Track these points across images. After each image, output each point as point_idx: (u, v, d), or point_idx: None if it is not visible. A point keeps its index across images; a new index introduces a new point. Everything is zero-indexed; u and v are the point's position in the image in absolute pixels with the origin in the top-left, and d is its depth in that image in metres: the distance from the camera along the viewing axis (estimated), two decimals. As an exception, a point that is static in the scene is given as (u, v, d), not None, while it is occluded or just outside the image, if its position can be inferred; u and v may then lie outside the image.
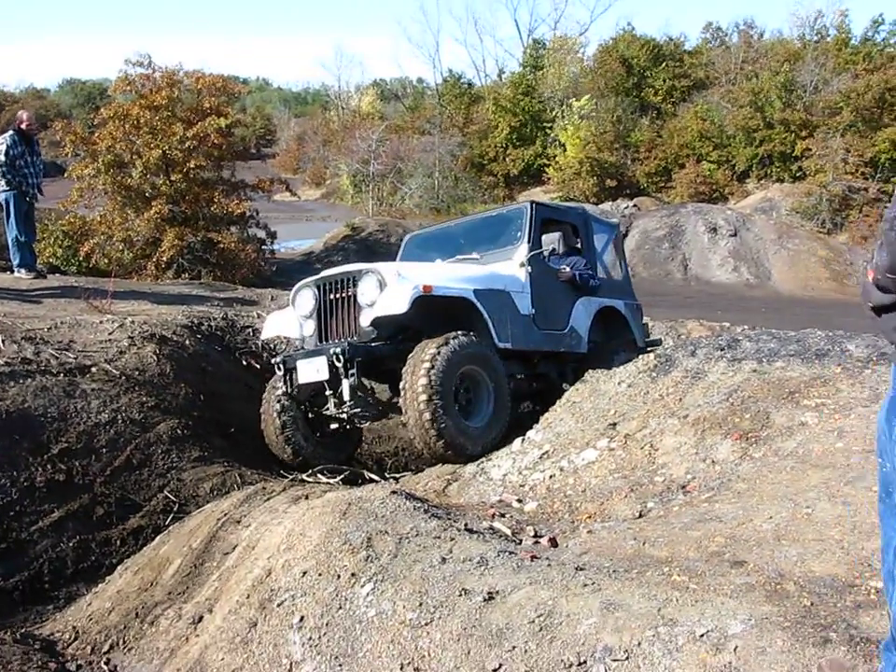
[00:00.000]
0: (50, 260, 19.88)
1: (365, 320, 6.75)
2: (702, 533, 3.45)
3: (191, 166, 21.25)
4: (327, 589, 3.40)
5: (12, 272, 10.76)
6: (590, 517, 4.46)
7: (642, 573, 3.09)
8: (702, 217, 31.12)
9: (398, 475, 7.55)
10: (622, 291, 9.12)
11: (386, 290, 6.56)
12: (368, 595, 3.28)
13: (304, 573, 3.50)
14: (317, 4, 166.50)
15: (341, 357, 6.51)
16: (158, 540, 5.05)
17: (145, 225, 20.74)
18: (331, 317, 7.09)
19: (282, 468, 7.33)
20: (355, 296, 6.85)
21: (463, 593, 3.10)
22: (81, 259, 20.17)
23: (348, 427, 7.62)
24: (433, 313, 6.88)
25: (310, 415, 7.49)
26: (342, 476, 7.07)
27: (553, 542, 3.83)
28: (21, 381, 6.37)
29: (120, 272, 20.83)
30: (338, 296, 7.05)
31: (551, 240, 7.65)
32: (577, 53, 53.02)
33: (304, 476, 7.04)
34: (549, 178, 46.46)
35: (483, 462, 6.08)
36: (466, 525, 3.83)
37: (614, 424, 5.52)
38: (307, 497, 4.50)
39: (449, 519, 3.92)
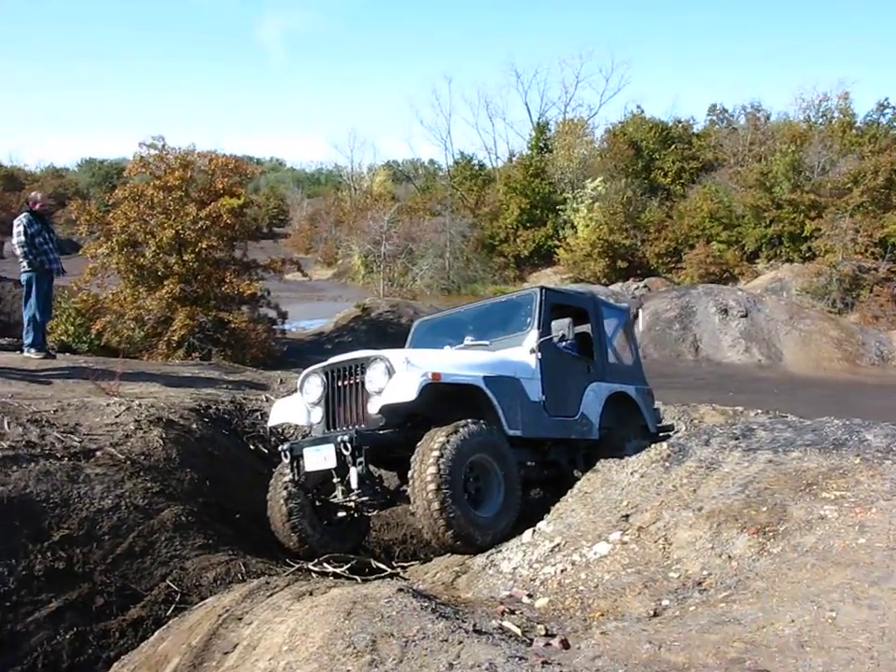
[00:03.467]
0: (62, 338, 19.94)
1: (373, 408, 6.67)
2: (720, 637, 3.30)
3: (203, 246, 21.45)
4: (329, 695, 3.26)
5: (21, 351, 10.76)
6: (602, 615, 4.30)
7: (659, 682, 2.95)
8: (713, 298, 31.15)
9: (405, 564, 7.38)
10: (632, 376, 9.05)
11: (395, 378, 6.51)
12: (371, 702, 3.14)
13: (306, 677, 3.36)
14: (332, 87, 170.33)
15: (348, 444, 6.43)
16: (156, 636, 4.88)
17: (156, 304, 20.87)
18: (339, 404, 7.03)
19: (288, 556, 7.17)
20: (363, 383, 6.79)
21: (470, 702, 2.96)
22: (93, 336, 20.24)
23: (356, 515, 7.49)
24: (442, 400, 6.80)
25: (317, 503, 7.37)
26: (348, 565, 6.91)
27: (565, 644, 3.67)
28: (23, 465, 6.28)
29: (131, 350, 20.94)
30: (346, 383, 6.99)
31: (560, 326, 7.59)
32: (586, 136, 53.81)
33: (310, 565, 6.88)
34: (559, 260, 46.80)
35: (492, 554, 5.93)
36: (475, 625, 3.68)
37: (627, 516, 5.38)
38: (311, 594, 4.36)
39: (457, 619, 3.77)
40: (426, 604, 3.79)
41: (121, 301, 21.06)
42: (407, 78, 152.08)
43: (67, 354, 13.65)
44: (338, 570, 6.90)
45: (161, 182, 21.45)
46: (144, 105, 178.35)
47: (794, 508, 4.69)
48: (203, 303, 21.78)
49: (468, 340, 8.13)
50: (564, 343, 7.84)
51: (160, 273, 21.59)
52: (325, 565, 6.98)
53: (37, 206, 10.56)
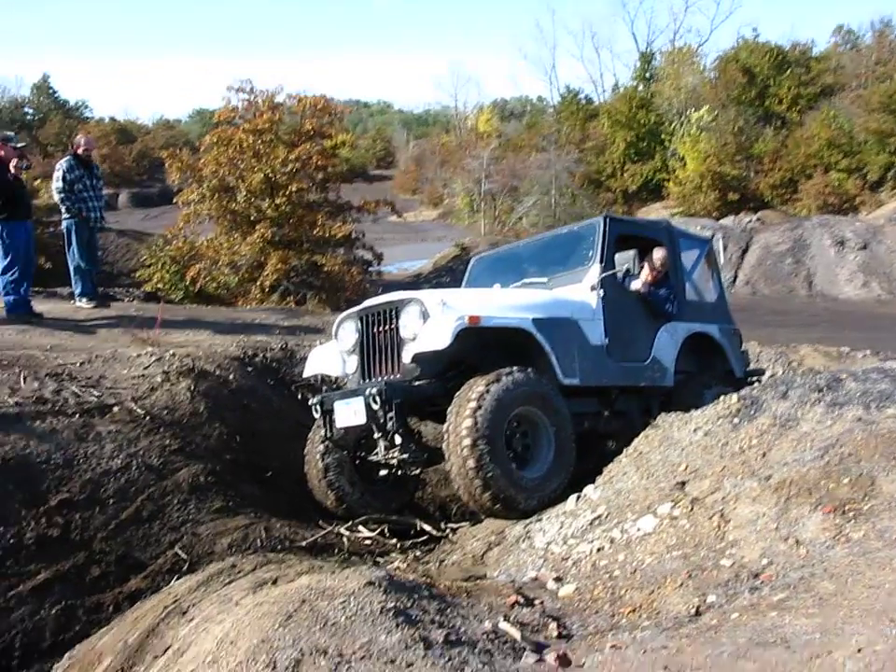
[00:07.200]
0: (158, 286, 19.90)
1: (407, 356, 5.95)
2: (757, 667, 2.45)
3: (294, 189, 20.95)
4: (236, 731, 2.58)
5: (74, 300, 10.45)
6: (633, 611, 3.50)
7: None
8: (828, 230, 28.91)
9: (456, 525, 6.70)
10: (716, 315, 8.02)
11: (429, 322, 5.76)
12: (278, 748, 2.44)
13: (216, 705, 2.69)
14: (435, 25, 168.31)
15: (377, 398, 5.74)
16: (106, 628, 4.32)
17: (249, 249, 20.56)
18: (374, 352, 6.33)
19: (324, 517, 6.57)
20: (398, 328, 6.07)
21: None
22: (188, 283, 20.14)
23: (399, 473, 6.83)
24: (487, 346, 6.04)
25: (357, 461, 6.75)
26: (380, 529, 6.30)
27: (564, 660, 2.89)
28: (27, 423, 5.80)
29: (227, 296, 20.87)
30: (381, 329, 6.28)
31: (624, 259, 6.65)
32: (695, 64, 51.23)
33: (342, 529, 6.27)
34: (669, 193, 44.92)
35: (530, 523, 5.16)
36: (448, 634, 2.93)
37: (683, 483, 4.51)
38: (275, 582, 3.68)
39: (433, 623, 3.02)
40: (392, 604, 3.04)
41: (216, 248, 20.85)
42: (509, 12, 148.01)
43: (150, 303, 13.36)
44: (372, 534, 6.31)
45: (251, 126, 21.01)
46: (253, 59, 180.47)
47: (885, 480, 3.73)
48: (296, 247, 21.37)
49: (526, 277, 7.32)
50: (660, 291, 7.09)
51: (252, 218, 21.23)
52: (360, 527, 6.39)
53: (81, 150, 10.10)
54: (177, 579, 5.17)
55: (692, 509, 4.15)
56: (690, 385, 7.38)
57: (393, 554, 6.06)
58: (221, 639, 2.99)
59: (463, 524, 6.68)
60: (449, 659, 2.71)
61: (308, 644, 2.76)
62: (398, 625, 2.88)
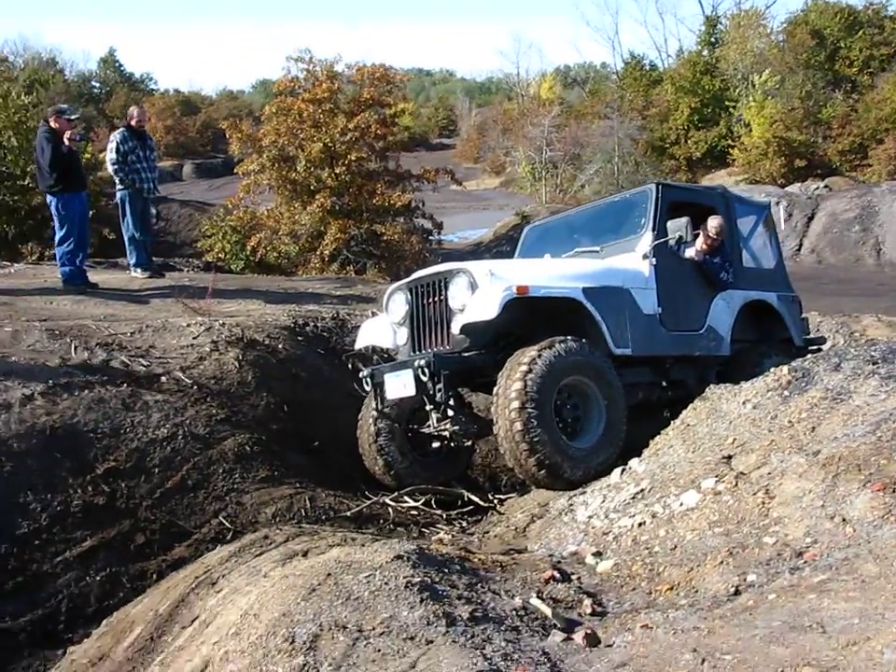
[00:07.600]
0: (219, 256, 20.08)
1: (456, 327, 5.90)
2: (790, 652, 2.34)
3: (353, 158, 20.90)
4: (250, 706, 2.55)
5: (129, 271, 10.58)
6: (671, 588, 3.40)
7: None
8: (898, 196, 27.92)
9: (503, 496, 6.65)
10: (774, 282, 7.81)
11: (477, 293, 5.71)
12: (291, 724, 2.40)
13: (233, 678, 2.67)
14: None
15: (426, 370, 5.71)
16: (141, 597, 4.34)
17: (309, 218, 20.60)
18: (424, 324, 6.29)
19: (371, 488, 6.55)
20: (447, 300, 6.01)
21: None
22: (248, 253, 20.30)
23: (452, 445, 6.79)
24: (537, 317, 5.96)
25: (409, 433, 6.73)
26: (425, 499, 6.27)
27: (592, 639, 2.81)
28: (76, 393, 5.86)
29: (287, 265, 20.98)
30: (431, 300, 6.24)
31: (676, 226, 6.48)
32: (762, 27, 49.73)
33: (387, 499, 6.26)
34: (734, 160, 43.89)
35: (574, 496, 5.08)
36: (474, 610, 2.86)
37: (729, 457, 4.38)
38: (305, 555, 3.64)
39: (460, 599, 2.96)
40: (418, 579, 2.98)
41: (276, 217, 20.96)
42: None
43: (206, 273, 13.45)
44: (417, 504, 6.29)
45: (310, 95, 20.98)
46: (317, 28, 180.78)
47: (940, 456, 3.58)
48: (356, 216, 21.36)
49: (578, 246, 7.21)
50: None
51: (312, 188, 21.24)
52: (406, 498, 6.37)
53: (134, 122, 10.19)
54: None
55: (736, 484, 4.02)
56: (748, 354, 7.22)
57: (438, 525, 6.03)
58: (245, 611, 2.98)
59: (511, 495, 6.63)
60: (471, 637, 2.65)
61: (328, 618, 2.73)
62: (421, 601, 2.83)
